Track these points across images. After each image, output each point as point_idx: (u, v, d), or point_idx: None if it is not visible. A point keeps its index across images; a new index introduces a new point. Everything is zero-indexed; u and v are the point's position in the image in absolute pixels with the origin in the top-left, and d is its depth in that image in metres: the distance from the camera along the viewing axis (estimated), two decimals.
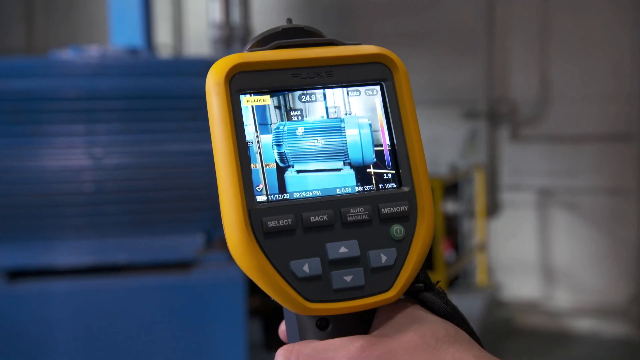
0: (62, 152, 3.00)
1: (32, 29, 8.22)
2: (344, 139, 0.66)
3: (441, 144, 6.76)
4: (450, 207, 6.53)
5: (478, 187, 6.64)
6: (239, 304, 2.93)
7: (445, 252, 5.97)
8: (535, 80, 6.60)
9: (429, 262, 5.43)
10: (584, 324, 6.42)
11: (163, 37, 7.44)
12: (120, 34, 4.10)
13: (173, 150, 3.05)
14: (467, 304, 5.37)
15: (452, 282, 6.21)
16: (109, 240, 3.00)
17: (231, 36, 4.92)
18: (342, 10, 7.27)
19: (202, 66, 3.23)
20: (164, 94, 3.11)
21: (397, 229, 0.65)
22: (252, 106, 0.64)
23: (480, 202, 6.63)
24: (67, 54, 3.32)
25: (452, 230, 6.31)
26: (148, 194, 3.01)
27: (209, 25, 5.12)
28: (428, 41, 6.89)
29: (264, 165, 0.64)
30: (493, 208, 6.81)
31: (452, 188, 6.39)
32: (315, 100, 0.67)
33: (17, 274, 2.92)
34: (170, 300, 2.94)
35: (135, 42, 3.98)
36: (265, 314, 3.81)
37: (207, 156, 3.04)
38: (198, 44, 7.32)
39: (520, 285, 6.74)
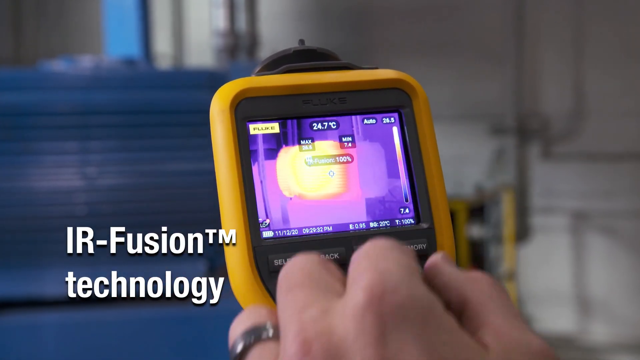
0: (52, 172, 3.02)
1: (20, 37, 8.28)
2: (357, 169, 0.66)
3: (466, 162, 6.76)
4: (476, 231, 6.52)
5: (506, 210, 6.62)
6: None
7: None
8: (568, 92, 6.59)
9: None
10: None
11: (162, 46, 7.48)
12: (115, 43, 4.13)
13: (173, 170, 3.07)
14: None
15: None
16: (104, 268, 3.01)
17: (236, 45, 4.95)
18: (357, 17, 7.29)
19: (205, 78, 3.25)
20: (163, 108, 3.13)
21: None
22: (258, 134, 0.65)
23: (508, 227, 6.62)
24: (58, 65, 3.34)
25: (478, 257, 6.30)
26: (146, 218, 3.02)
27: (212, 34, 5.16)
28: (451, 50, 6.90)
29: (270, 197, 0.64)
30: (523, 233, 6.79)
31: (477, 211, 6.38)
32: (327, 129, 0.67)
33: (3, 305, 2.93)
34: (171, 333, 2.94)
35: (132, 52, 4.01)
36: None
37: (211, 176, 3.04)
38: (200, 53, 7.36)
39: (554, 317, 6.71)
